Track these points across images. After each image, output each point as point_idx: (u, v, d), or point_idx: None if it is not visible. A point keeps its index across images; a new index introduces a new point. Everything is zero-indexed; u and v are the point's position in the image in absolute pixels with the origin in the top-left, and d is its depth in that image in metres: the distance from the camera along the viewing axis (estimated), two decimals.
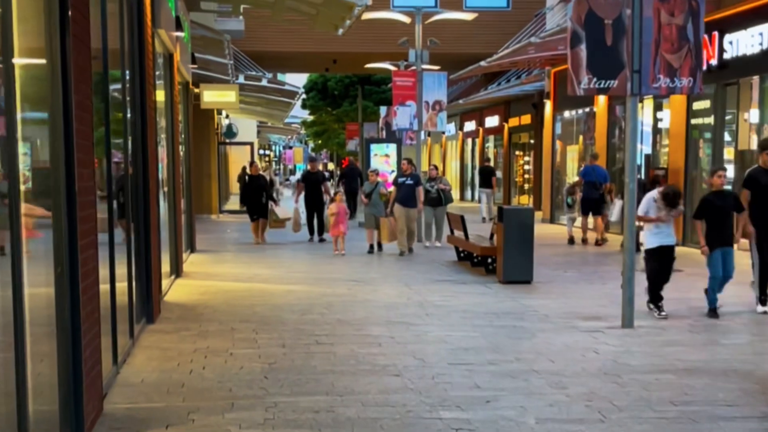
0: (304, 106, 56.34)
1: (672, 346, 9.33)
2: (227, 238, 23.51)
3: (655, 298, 11.16)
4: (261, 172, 22.99)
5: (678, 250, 11.91)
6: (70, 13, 5.11)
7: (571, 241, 20.92)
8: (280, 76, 47.54)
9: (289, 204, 26.21)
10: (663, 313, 10.99)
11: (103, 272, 6.95)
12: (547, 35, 19.79)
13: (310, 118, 63.50)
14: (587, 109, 26.81)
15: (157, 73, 12.91)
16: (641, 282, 11.36)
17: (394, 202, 18.81)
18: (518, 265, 13.89)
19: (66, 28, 5.10)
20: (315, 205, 21.96)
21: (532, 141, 38.86)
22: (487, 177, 29.77)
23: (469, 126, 47.35)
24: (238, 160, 42.06)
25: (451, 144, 54.48)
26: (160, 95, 13.39)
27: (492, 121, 43.71)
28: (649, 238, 11.06)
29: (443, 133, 49.42)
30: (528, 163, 39.96)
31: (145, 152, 9.54)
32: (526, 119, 38.54)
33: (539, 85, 33.22)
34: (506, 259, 13.88)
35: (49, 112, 5.15)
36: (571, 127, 28.77)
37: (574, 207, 21.09)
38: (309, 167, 22.66)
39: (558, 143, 29.53)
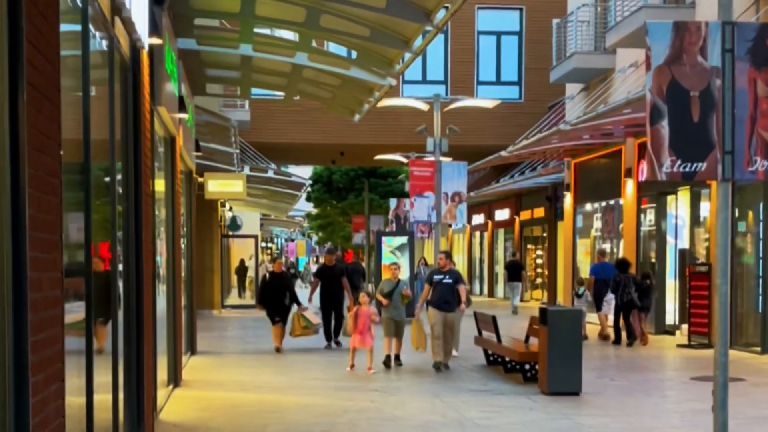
0: (308, 199, 55.34)
1: None
2: (230, 337, 21.93)
3: None
4: (284, 269, 20.27)
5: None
6: (24, 48, 3.62)
7: (584, 338, 19.44)
8: (284, 169, 46.54)
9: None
10: None
11: (78, 382, 5.41)
12: (579, 121, 18.46)
13: (314, 210, 62.49)
14: (611, 202, 25.42)
15: (157, 164, 11.47)
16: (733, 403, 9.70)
17: (428, 304, 15.59)
18: (565, 374, 12.26)
19: (18, 69, 3.62)
20: (332, 304, 19.06)
21: (545, 234, 37.85)
22: (515, 271, 31.14)
23: (478, 219, 46.21)
24: (240, 253, 40.80)
25: (458, 237, 53.26)
26: (160, 184, 11.95)
27: (502, 214, 42.78)
28: None
29: (449, 225, 48.21)
30: (541, 257, 38.75)
31: (139, 246, 8.02)
32: (539, 212, 37.56)
33: (554, 178, 32.16)
34: (551, 367, 12.26)
35: None
36: (587, 221, 27.57)
37: (584, 298, 20.43)
38: (326, 260, 20.06)
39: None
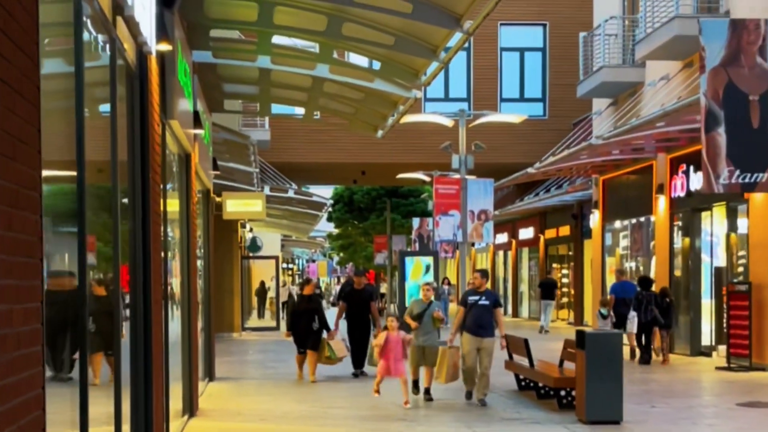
0: (329, 219, 54.89)
1: None
2: (250, 361, 21.27)
3: None
4: (315, 290, 18.65)
5: None
6: None
7: None
8: (305, 189, 46.13)
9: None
10: None
11: (71, 415, 4.79)
12: (612, 135, 17.75)
13: (335, 231, 61.98)
14: (641, 219, 24.66)
15: (171, 184, 10.91)
16: None
17: (461, 329, 13.96)
18: (604, 400, 11.51)
19: None
20: (361, 331, 17.51)
21: (570, 253, 37.21)
22: (549, 289, 30.82)
23: (501, 238, 45.57)
24: (260, 274, 40.31)
25: (481, 256, 52.59)
26: (174, 203, 11.34)
27: (527, 232, 42.21)
28: None
29: (472, 245, 47.56)
30: (566, 276, 38.04)
31: (147, 267, 7.38)
32: (565, 230, 36.95)
33: (580, 195, 31.52)
34: (589, 393, 11.52)
35: None
36: (615, 239, 26.88)
37: (609, 319, 20.23)
38: (354, 282, 18.30)
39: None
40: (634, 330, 19.56)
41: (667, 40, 19.48)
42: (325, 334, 16.94)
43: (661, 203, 22.29)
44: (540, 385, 14.05)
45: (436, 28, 9.76)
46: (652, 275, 23.71)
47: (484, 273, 14.42)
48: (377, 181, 44.07)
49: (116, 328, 6.38)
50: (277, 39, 12.35)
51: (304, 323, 16.97)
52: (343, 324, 18.07)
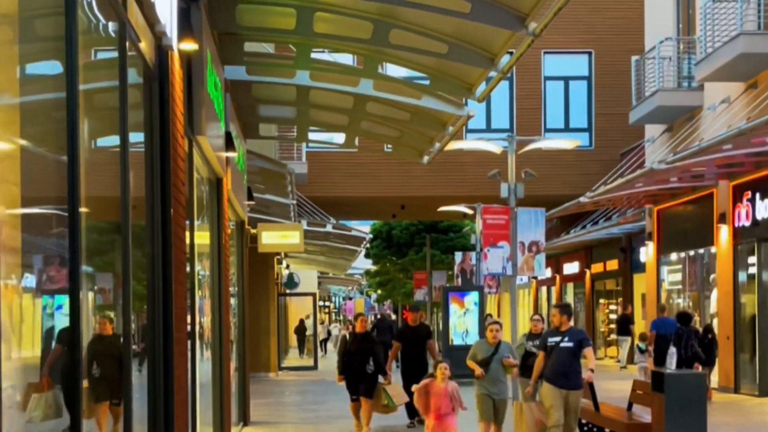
0: (367, 256, 53.83)
1: None
2: (287, 403, 20.14)
3: None
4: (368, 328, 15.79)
5: None
6: None
7: None
8: (342, 224, 45.32)
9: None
10: None
11: None
12: (678, 158, 16.46)
13: (373, 267, 60.91)
14: (701, 251, 23.31)
15: (199, 218, 9.85)
16: None
17: (540, 378, 11.58)
18: None
19: None
20: (418, 373, 14.85)
21: (618, 288, 35.98)
22: (625, 325, 30.23)
23: (530, 275, 44.35)
24: (297, 311, 39.39)
25: (523, 293, 51.27)
26: (204, 235, 10.27)
27: (571, 267, 41.08)
28: None
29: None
30: (614, 311, 36.79)
31: (168, 304, 6.26)
32: (612, 264, 35.81)
33: (629, 227, 30.34)
34: None
35: None
36: (671, 273, 25.66)
37: (646, 353, 20.12)
38: (409, 319, 16.19)
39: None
40: (673, 366, 18.68)
41: (731, 59, 18.27)
42: (381, 379, 14.70)
43: (723, 233, 20.96)
44: (606, 431, 12.77)
45: (497, 30, 8.63)
46: (712, 310, 22.46)
47: (564, 308, 12.03)
48: (417, 215, 43.06)
49: (125, 373, 5.26)
50: (316, 55, 11.34)
51: (356, 366, 14.60)
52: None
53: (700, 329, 19.45)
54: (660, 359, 19.38)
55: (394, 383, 14.88)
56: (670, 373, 10.68)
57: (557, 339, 11.44)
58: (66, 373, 4.05)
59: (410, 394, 14.24)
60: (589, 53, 33.36)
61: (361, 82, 11.37)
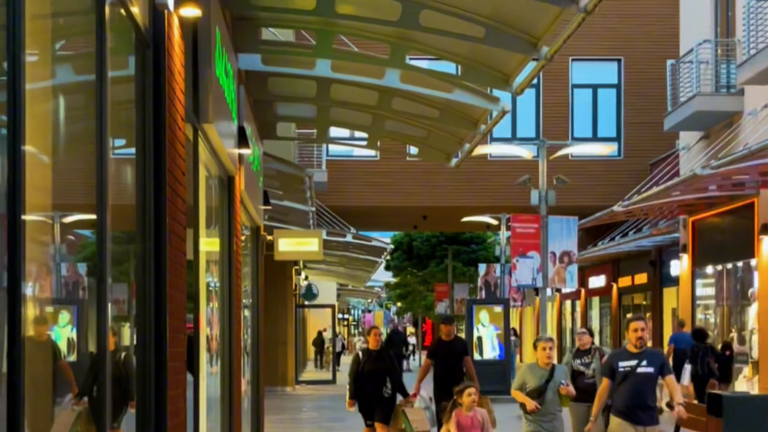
0: (387, 268, 53.05)
1: None
2: (304, 420, 19.22)
3: None
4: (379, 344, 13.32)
5: None
6: None
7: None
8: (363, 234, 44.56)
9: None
10: None
11: None
12: (725, 162, 15.39)
13: (393, 280, 60.08)
14: (738, 263, 22.21)
15: (208, 226, 8.92)
16: None
17: (608, 409, 9.68)
18: None
19: None
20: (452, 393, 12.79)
21: (646, 302, 34.95)
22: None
23: (561, 288, 43.39)
24: (316, 323, 38.54)
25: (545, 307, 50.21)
26: (213, 242, 9.33)
27: (597, 281, 40.10)
28: None
29: (536, 293, 45.38)
30: (643, 328, 35.68)
31: (161, 313, 5.29)
32: (641, 278, 34.73)
33: (660, 240, 29.28)
34: None
35: None
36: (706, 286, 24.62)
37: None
38: (443, 332, 14.61)
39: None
40: (685, 382, 18.33)
41: None
42: (400, 402, 12.92)
43: (766, 245, 19.86)
44: None
45: (542, 6, 7.63)
46: (750, 326, 21.42)
47: (640, 319, 9.97)
48: (439, 226, 42.21)
49: (101, 396, 4.29)
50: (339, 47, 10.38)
51: (370, 388, 12.79)
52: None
53: (718, 346, 19.17)
54: (676, 375, 18.76)
55: (417, 407, 13.06)
56: (730, 396, 9.67)
57: (632, 363, 9.28)
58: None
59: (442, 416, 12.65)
60: (619, 60, 32.45)
61: (387, 73, 10.40)
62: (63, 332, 4.22)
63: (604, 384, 9.56)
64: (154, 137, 5.33)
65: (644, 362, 9.24)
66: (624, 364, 9.30)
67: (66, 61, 4.26)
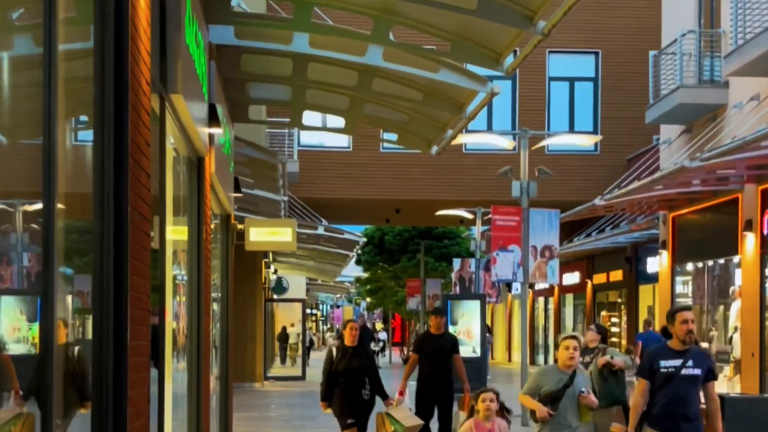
0: (358, 262, 52.39)
1: None
2: (273, 417, 18.57)
3: None
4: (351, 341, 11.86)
5: None
6: None
7: None
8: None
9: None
10: None
11: None
12: (719, 153, 14.86)
13: (364, 275, 59.40)
14: (720, 261, 21.77)
15: (175, 200, 8.22)
16: None
17: (644, 417, 8.06)
18: None
19: None
20: (439, 393, 12.29)
21: (620, 300, 34.63)
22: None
23: (541, 283, 42.94)
24: (285, 318, 37.89)
25: (518, 303, 49.88)
26: (182, 230, 8.62)
27: (571, 277, 39.75)
28: None
29: (509, 289, 44.89)
30: (617, 324, 35.31)
31: (121, 303, 4.59)
32: (616, 275, 34.50)
33: (636, 236, 28.94)
34: None
35: None
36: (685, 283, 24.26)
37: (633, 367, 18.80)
38: (432, 325, 13.16)
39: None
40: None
41: (765, 52, 16.72)
42: (385, 404, 11.54)
43: (750, 242, 19.40)
44: None
45: None
46: (731, 324, 20.97)
47: (677, 312, 8.26)
48: (412, 220, 41.65)
49: (48, 395, 3.61)
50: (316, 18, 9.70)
51: (346, 388, 11.44)
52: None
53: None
54: None
55: (402, 405, 11.49)
56: (731, 397, 9.09)
57: (676, 364, 7.86)
58: None
59: (427, 418, 12.30)
60: (596, 53, 32.03)
61: (369, 49, 9.73)
62: (6, 323, 3.59)
63: (640, 386, 8.03)
64: (114, 99, 4.62)
65: (690, 362, 7.85)
66: (666, 364, 7.89)
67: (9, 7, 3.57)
